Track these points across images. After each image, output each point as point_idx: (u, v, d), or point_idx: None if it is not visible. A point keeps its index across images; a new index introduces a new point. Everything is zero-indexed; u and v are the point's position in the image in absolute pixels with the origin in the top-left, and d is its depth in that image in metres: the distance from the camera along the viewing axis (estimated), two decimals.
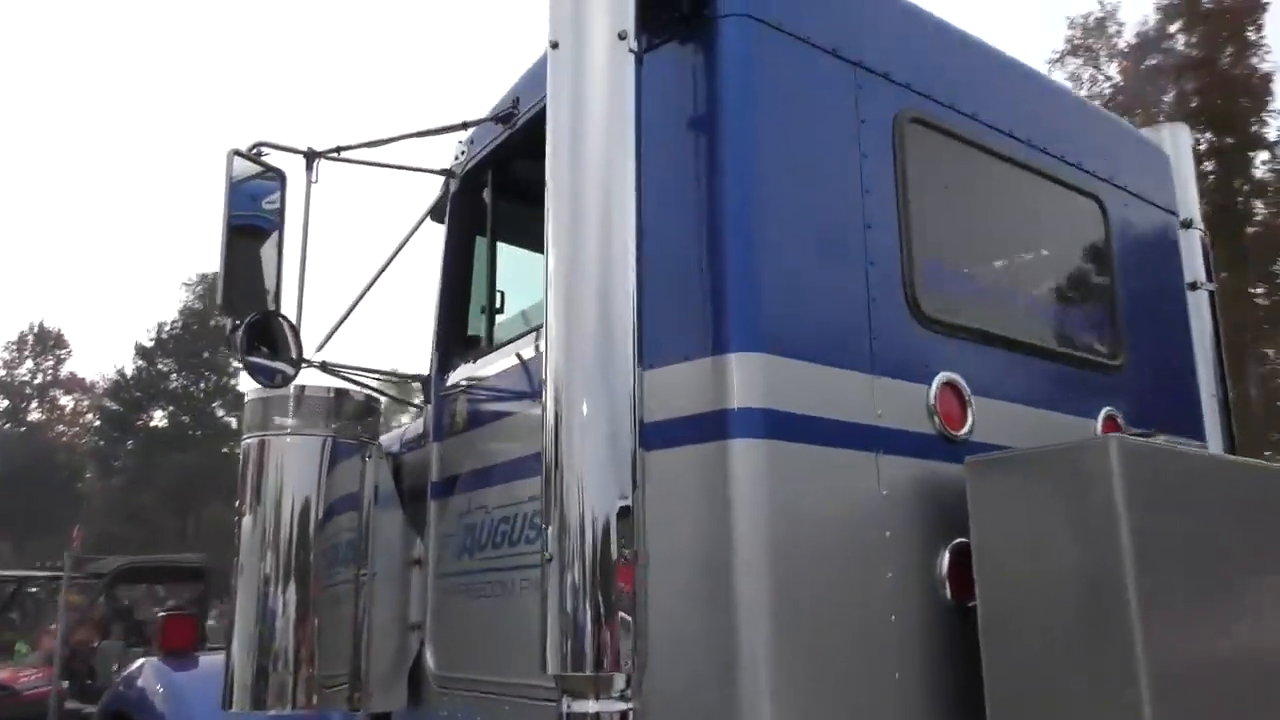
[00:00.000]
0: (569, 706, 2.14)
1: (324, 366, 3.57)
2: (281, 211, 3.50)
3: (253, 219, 3.48)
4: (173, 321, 49.93)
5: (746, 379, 2.44)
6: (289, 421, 3.46)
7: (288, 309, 3.44)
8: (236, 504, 3.53)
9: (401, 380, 3.70)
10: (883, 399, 2.66)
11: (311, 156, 3.58)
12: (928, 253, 2.86)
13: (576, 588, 2.13)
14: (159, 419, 49.53)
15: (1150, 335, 3.61)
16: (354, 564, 3.45)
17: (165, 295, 65.03)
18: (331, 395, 3.51)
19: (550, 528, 2.17)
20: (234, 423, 50.45)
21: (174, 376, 49.47)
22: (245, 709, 3.29)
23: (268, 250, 3.47)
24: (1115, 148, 3.73)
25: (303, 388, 3.46)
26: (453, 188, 3.74)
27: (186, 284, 50.94)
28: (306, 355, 3.43)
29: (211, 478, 46.47)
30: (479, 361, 3.45)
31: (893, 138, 2.88)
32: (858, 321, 2.67)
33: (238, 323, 3.37)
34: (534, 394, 3.11)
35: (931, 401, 2.76)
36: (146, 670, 4.48)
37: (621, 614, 2.13)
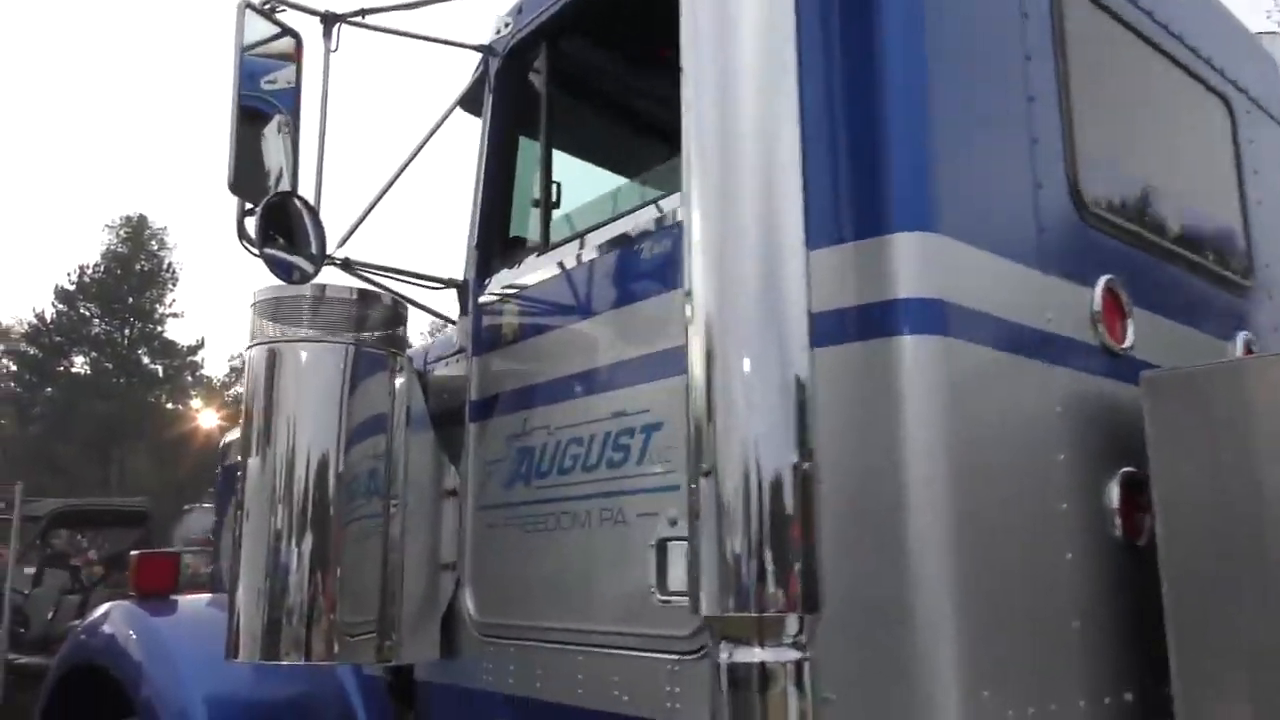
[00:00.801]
0: (731, 655, 1.71)
1: (346, 265, 3.07)
2: (298, 81, 3.00)
3: (265, 90, 2.97)
4: (95, 264, 47.89)
5: (915, 263, 2.02)
6: (306, 327, 2.95)
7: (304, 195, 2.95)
8: (239, 423, 3.02)
9: (432, 285, 3.20)
10: (1052, 301, 2.26)
11: (330, 20, 3.08)
12: (1085, 137, 2.46)
13: (738, 509, 1.70)
14: (80, 365, 47.66)
15: (1274, 255, 3.26)
16: (381, 495, 2.97)
17: (87, 237, 62.51)
18: (356, 297, 3.01)
19: (705, 439, 1.73)
20: (160, 370, 48.92)
21: (96, 322, 47.51)
22: (255, 659, 2.82)
23: (282, 125, 2.97)
24: (1238, 48, 3.36)
25: (323, 287, 2.96)
26: (494, 67, 3.23)
27: (109, 226, 48.78)
28: (328, 250, 2.94)
29: (136, 427, 45.03)
30: (533, 263, 2.98)
31: (1050, 1, 2.46)
32: (1024, 207, 2.27)
33: (250, 207, 2.87)
34: (613, 295, 2.65)
35: (1096, 308, 2.37)
36: (115, 615, 3.93)
37: (794, 541, 1.70)
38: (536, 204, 3.06)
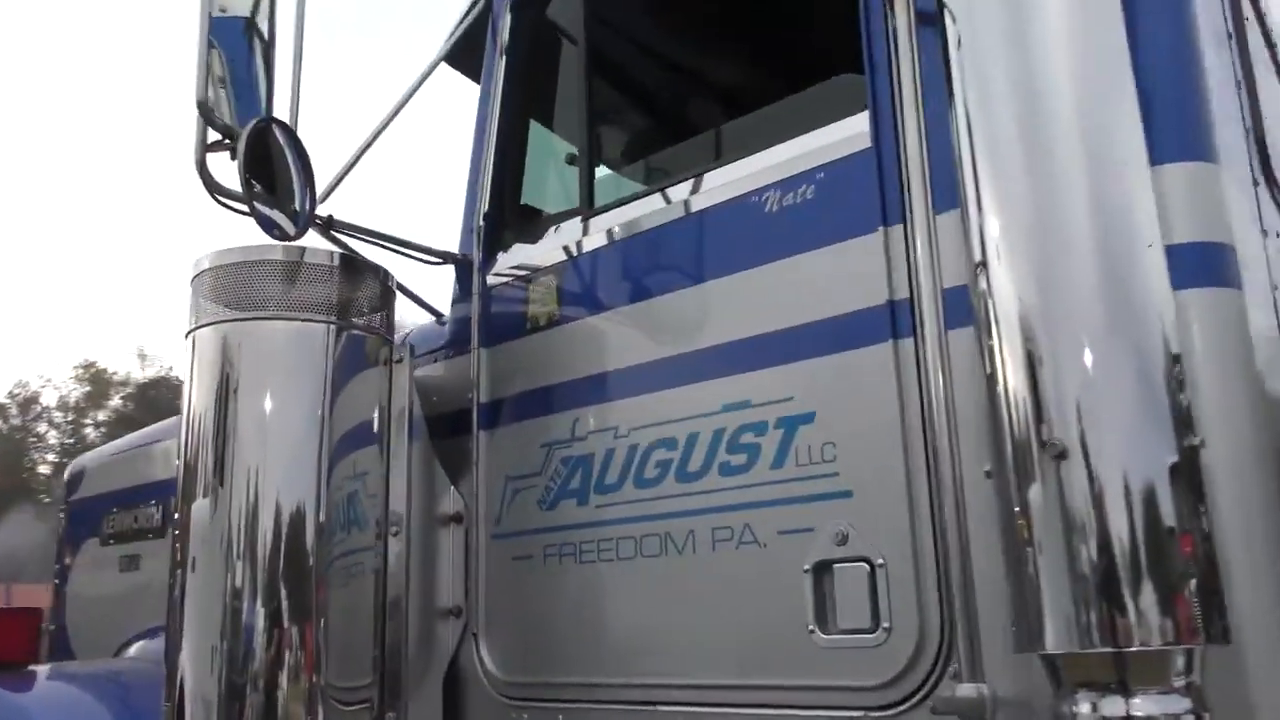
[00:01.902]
0: (1089, 708, 1.22)
1: (329, 226, 2.40)
2: None
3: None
4: None
5: (1194, 199, 1.62)
6: (275, 304, 2.26)
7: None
8: (181, 426, 2.29)
9: (429, 259, 2.56)
10: (1275, 269, 1.92)
11: None
12: (1261, 99, 2.16)
13: (1096, 513, 1.24)
14: None
15: None
16: (375, 522, 2.30)
17: None
18: (339, 265, 2.34)
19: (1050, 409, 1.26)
20: None
21: None
22: None
23: (255, 45, 2.31)
24: None
25: (301, 250, 2.28)
26: (507, 2, 2.65)
27: None
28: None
29: None
30: (571, 230, 2.41)
31: None
32: (1240, 148, 1.93)
33: (215, 139, 2.18)
34: (722, 258, 2.11)
35: None
36: None
37: (1179, 550, 1.24)
38: (572, 161, 2.50)
